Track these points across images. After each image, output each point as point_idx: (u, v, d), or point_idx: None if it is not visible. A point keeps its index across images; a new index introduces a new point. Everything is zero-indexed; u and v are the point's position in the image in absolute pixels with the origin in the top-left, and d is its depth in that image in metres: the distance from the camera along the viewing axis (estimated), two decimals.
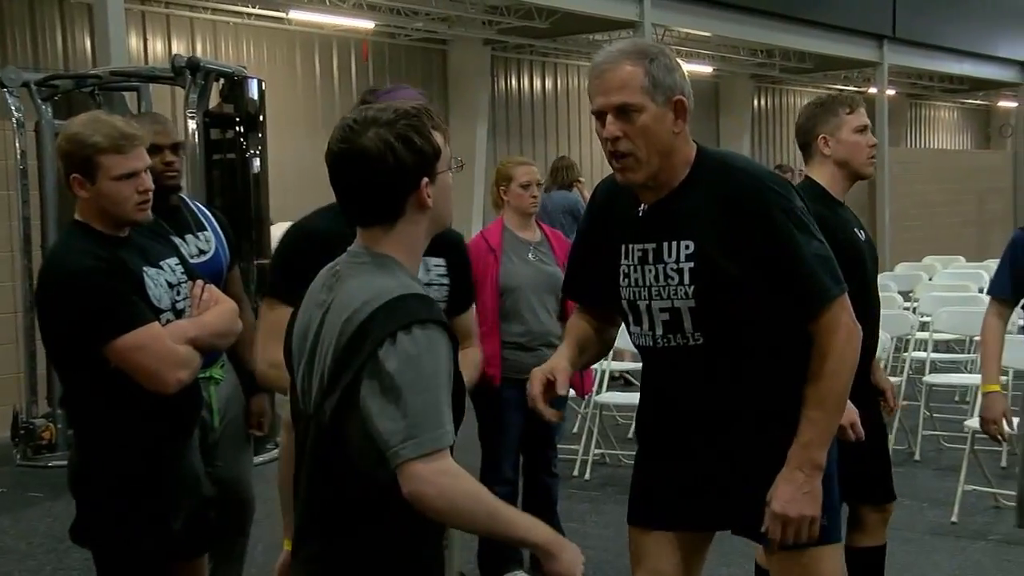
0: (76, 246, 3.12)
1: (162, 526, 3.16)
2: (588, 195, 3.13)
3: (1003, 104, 28.37)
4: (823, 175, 3.74)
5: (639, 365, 8.68)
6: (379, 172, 2.16)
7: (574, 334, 3.00)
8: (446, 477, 2.09)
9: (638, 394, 8.17)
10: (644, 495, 2.96)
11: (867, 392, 3.66)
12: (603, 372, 7.57)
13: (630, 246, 2.80)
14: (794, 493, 2.69)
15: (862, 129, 3.79)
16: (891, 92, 21.24)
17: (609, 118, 2.67)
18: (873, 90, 20.37)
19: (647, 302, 2.77)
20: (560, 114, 19.05)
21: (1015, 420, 4.40)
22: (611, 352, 7.74)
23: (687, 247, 2.70)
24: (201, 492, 3.37)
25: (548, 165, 17.94)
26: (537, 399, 2.78)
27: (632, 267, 2.79)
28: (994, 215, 21.43)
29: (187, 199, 4.12)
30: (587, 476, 7.12)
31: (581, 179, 10.32)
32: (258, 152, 7.78)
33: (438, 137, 2.23)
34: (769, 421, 2.75)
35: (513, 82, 18.32)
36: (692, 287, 2.70)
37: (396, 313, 2.11)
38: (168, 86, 8.55)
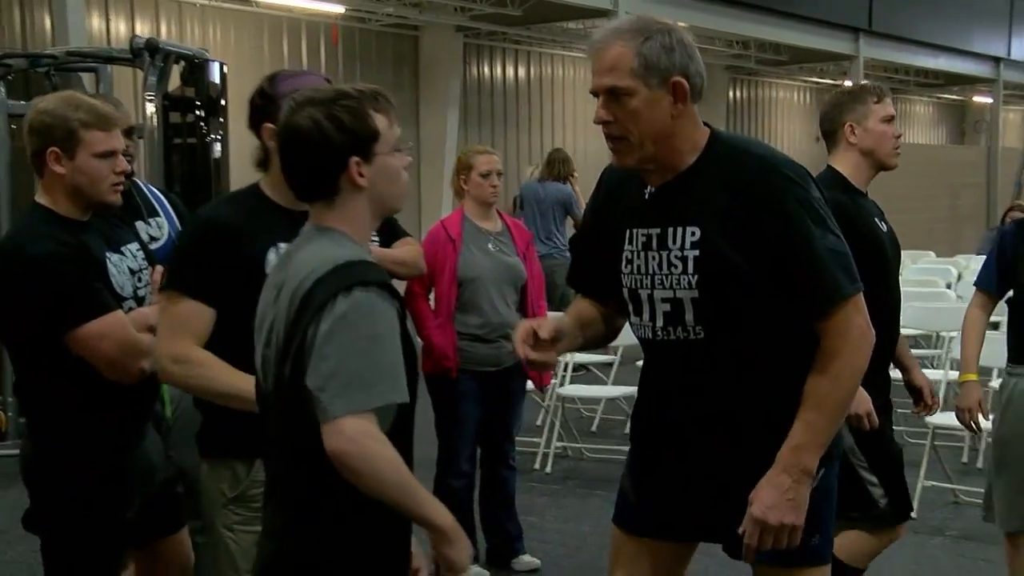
0: (38, 230, 3.07)
1: (114, 516, 3.14)
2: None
3: (978, 99, 28.44)
4: (846, 164, 3.70)
5: (605, 357, 8.66)
6: (308, 149, 2.25)
7: (576, 310, 2.87)
8: (370, 440, 2.13)
9: (602, 387, 8.16)
10: (632, 497, 2.83)
11: (883, 387, 3.64)
12: (566, 363, 7.50)
13: (634, 231, 2.66)
14: (777, 498, 2.52)
15: (889, 119, 3.77)
16: None
17: (600, 101, 2.57)
18: (849, 83, 20.33)
19: (649, 291, 2.64)
20: (533, 103, 18.94)
21: (991, 415, 4.39)
22: None
23: (692, 233, 2.56)
24: (155, 481, 3.32)
25: (520, 154, 18.08)
26: (518, 344, 2.66)
27: (635, 253, 2.66)
28: (967, 211, 21.49)
29: (140, 183, 4.02)
30: (548, 469, 7.08)
31: (575, 173, 10.27)
32: (219, 137, 7.69)
33: (379, 119, 2.28)
34: (770, 430, 2.57)
35: (485, 70, 18.19)
36: (696, 276, 2.56)
37: (340, 277, 2.18)
38: (129, 68, 8.41)
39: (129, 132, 3.78)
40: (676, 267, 2.57)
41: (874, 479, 3.78)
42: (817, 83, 25.30)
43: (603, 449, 7.34)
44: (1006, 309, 4.34)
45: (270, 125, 2.79)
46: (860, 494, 3.75)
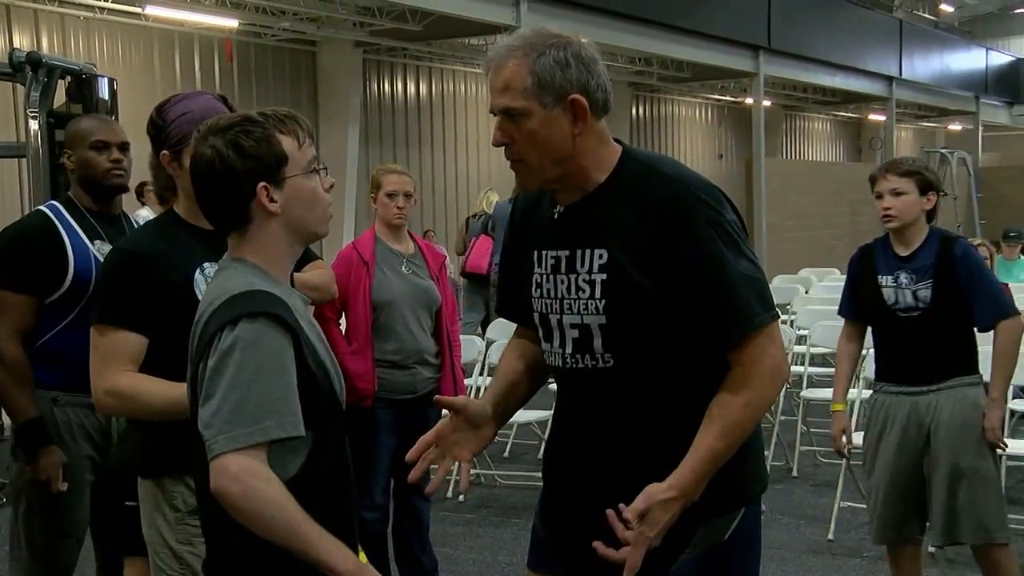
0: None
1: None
2: None
3: (873, 117, 29.13)
4: None
5: None
6: (212, 179, 2.22)
7: (502, 370, 2.73)
8: (255, 479, 2.08)
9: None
10: (540, 532, 2.68)
11: None
12: (477, 388, 7.30)
13: (544, 252, 2.52)
14: (667, 523, 2.31)
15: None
16: (767, 103, 21.54)
17: (496, 121, 2.41)
18: (750, 100, 20.60)
19: (558, 316, 2.49)
20: (435, 120, 18.80)
21: (860, 436, 4.54)
22: (485, 367, 7.65)
23: (600, 256, 2.40)
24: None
25: (422, 172, 17.88)
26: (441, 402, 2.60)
27: (544, 276, 2.51)
28: (865, 227, 21.78)
29: (131, 216, 3.99)
30: (461, 498, 6.90)
31: None
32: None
33: (287, 142, 2.23)
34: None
35: (386, 86, 17.99)
36: (603, 301, 2.40)
37: (227, 309, 2.14)
38: (8, 83, 8.02)
39: (125, 147, 3.77)
40: (584, 291, 2.43)
41: None
42: (718, 100, 25.61)
43: (516, 476, 7.22)
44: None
45: (166, 153, 2.94)
46: None
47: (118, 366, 2.83)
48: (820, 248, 19.29)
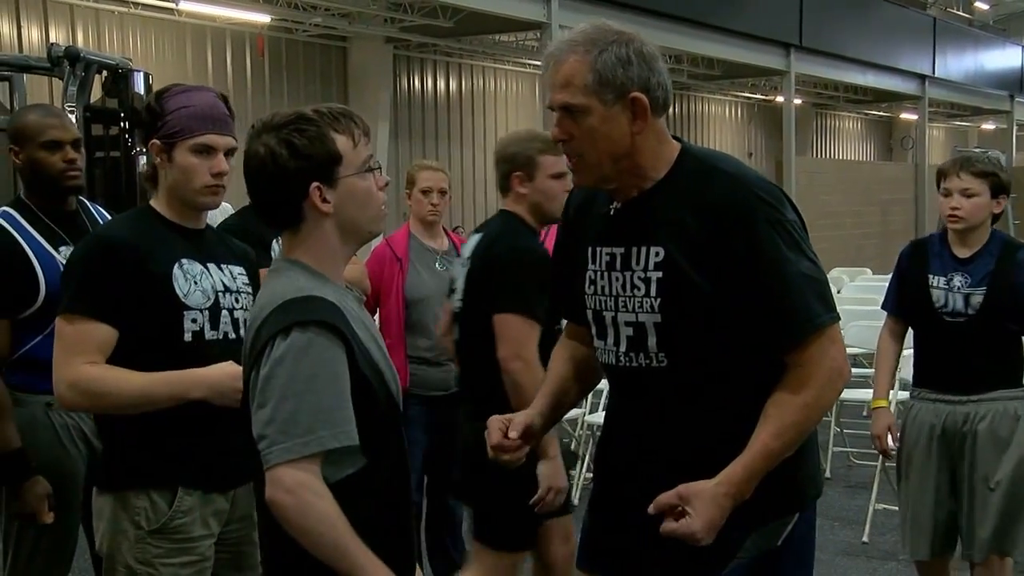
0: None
1: None
2: None
3: (905, 116, 28.95)
4: None
5: None
6: (264, 179, 2.18)
7: (552, 377, 2.71)
8: (308, 492, 2.07)
9: None
10: (590, 536, 2.65)
11: None
12: None
13: (598, 249, 2.49)
14: (717, 521, 2.27)
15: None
16: (798, 101, 21.44)
17: (556, 118, 2.38)
18: (780, 99, 20.50)
19: (612, 313, 2.46)
20: (465, 116, 18.80)
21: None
22: None
23: (656, 254, 2.37)
24: None
25: (451, 168, 17.88)
26: (495, 448, 2.55)
27: (599, 273, 2.48)
28: (896, 227, 21.72)
29: (87, 203, 3.68)
30: None
31: None
32: (144, 150, 7.37)
33: (341, 140, 2.19)
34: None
35: (416, 82, 18.01)
36: (659, 300, 2.37)
37: (280, 316, 2.12)
38: (45, 77, 8.10)
39: (77, 144, 3.46)
40: (639, 289, 2.40)
41: None
42: (749, 98, 25.51)
43: None
44: None
45: (157, 142, 2.79)
46: None
47: (84, 357, 2.70)
48: (851, 248, 19.18)
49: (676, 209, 2.37)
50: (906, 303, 4.16)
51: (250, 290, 3.01)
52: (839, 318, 2.38)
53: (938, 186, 4.06)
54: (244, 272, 3.01)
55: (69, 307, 2.74)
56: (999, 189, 3.94)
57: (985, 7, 34.16)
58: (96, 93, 7.53)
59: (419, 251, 4.84)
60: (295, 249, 2.24)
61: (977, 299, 3.92)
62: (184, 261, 2.78)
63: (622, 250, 2.43)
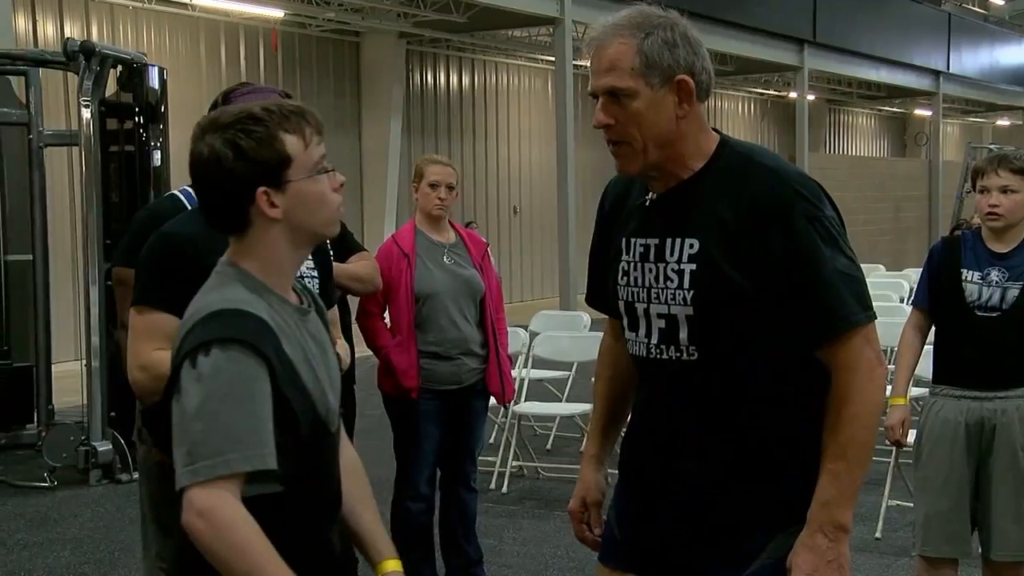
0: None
1: None
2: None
3: (919, 112, 28.82)
4: None
5: (561, 373, 8.43)
6: (208, 181, 2.06)
7: (602, 398, 2.74)
8: (220, 518, 1.95)
9: (557, 404, 7.94)
10: (616, 531, 2.62)
11: None
12: (522, 380, 7.33)
13: (633, 240, 2.46)
14: (816, 562, 2.29)
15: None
16: (811, 97, 21.38)
17: (600, 103, 2.36)
18: (794, 95, 20.44)
19: (645, 305, 2.43)
20: (478, 111, 18.78)
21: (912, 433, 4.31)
22: (529, 360, 7.65)
23: (691, 246, 2.35)
24: None
25: (463, 163, 17.89)
26: (585, 540, 2.69)
27: (632, 264, 2.46)
28: (909, 223, 21.68)
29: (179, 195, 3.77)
30: (504, 489, 6.89)
31: None
32: (158, 145, 7.58)
33: (291, 142, 2.05)
34: (767, 468, 2.37)
35: (429, 77, 18.00)
36: (691, 292, 2.35)
37: (202, 331, 2.01)
38: (60, 71, 8.13)
39: None
40: (672, 281, 2.38)
41: None
42: (762, 94, 25.44)
43: (559, 468, 7.17)
44: None
45: None
46: None
47: (154, 343, 2.90)
48: (863, 244, 19.13)
49: (713, 201, 2.35)
50: (937, 298, 4.11)
51: (315, 274, 3.30)
52: (875, 317, 2.34)
53: (973, 185, 4.03)
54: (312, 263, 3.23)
55: (138, 299, 2.99)
56: None
57: (1001, 2, 34.01)
58: (111, 87, 7.55)
59: (426, 246, 4.81)
60: (240, 255, 2.10)
61: (1013, 294, 3.90)
62: None
63: (656, 241, 2.41)
